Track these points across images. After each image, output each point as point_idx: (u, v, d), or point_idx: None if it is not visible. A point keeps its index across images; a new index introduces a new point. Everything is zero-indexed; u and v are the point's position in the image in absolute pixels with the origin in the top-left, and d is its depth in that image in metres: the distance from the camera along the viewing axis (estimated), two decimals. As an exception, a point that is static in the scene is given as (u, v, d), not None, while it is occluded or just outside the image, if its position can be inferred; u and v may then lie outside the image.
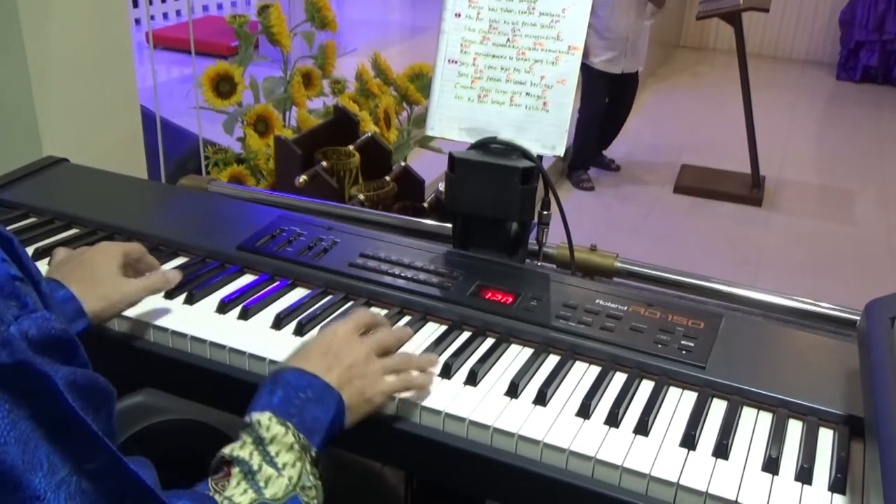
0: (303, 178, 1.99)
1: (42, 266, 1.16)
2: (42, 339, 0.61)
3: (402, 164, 2.22)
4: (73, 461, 0.59)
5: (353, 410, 0.86)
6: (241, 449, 0.77)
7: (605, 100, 4.61)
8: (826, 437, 0.89)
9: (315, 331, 1.02)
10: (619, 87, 4.61)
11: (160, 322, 1.03)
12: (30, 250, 1.18)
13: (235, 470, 0.75)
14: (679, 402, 0.93)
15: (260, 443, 0.77)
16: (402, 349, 0.98)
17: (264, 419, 0.78)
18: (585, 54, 4.25)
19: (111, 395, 0.69)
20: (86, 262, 0.99)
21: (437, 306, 1.07)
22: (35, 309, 0.62)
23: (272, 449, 0.77)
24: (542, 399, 0.91)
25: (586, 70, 4.34)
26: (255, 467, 0.75)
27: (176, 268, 1.15)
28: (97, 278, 0.97)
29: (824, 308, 1.19)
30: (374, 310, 1.08)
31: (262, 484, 0.74)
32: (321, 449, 0.81)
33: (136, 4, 5.17)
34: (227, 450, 0.77)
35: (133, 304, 0.99)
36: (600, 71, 4.43)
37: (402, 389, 0.91)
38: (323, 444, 0.82)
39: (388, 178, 2.13)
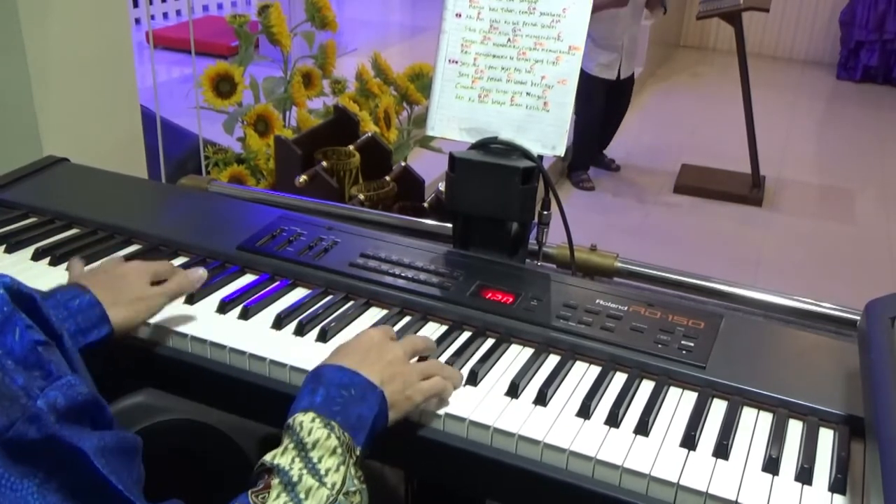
0: (303, 178, 1.99)
1: (42, 266, 1.16)
2: (69, 408, 0.62)
3: (402, 164, 2.22)
4: None
5: (395, 407, 0.85)
6: (282, 456, 0.75)
7: (603, 103, 4.61)
8: (826, 437, 0.89)
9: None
10: (617, 90, 4.62)
11: (160, 322, 1.03)
12: (30, 250, 1.18)
13: (275, 481, 0.73)
14: (679, 403, 0.93)
15: (302, 448, 0.75)
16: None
17: (307, 420, 0.77)
18: (584, 60, 4.30)
19: (138, 445, 0.69)
20: (116, 275, 0.99)
21: (438, 306, 1.07)
22: (59, 375, 0.62)
23: (314, 455, 0.75)
24: (542, 399, 0.91)
25: (583, 75, 4.33)
26: (296, 478, 0.73)
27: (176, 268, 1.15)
28: (123, 288, 0.97)
29: (824, 308, 1.19)
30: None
31: (302, 496, 0.72)
32: (366, 447, 0.80)
33: (136, 4, 5.17)
34: (268, 457, 0.75)
35: (155, 313, 0.99)
36: (597, 77, 4.43)
37: (439, 392, 0.90)
38: (367, 441, 0.80)
39: (388, 178, 2.13)
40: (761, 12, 4.99)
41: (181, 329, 1.02)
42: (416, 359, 0.94)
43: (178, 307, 1.07)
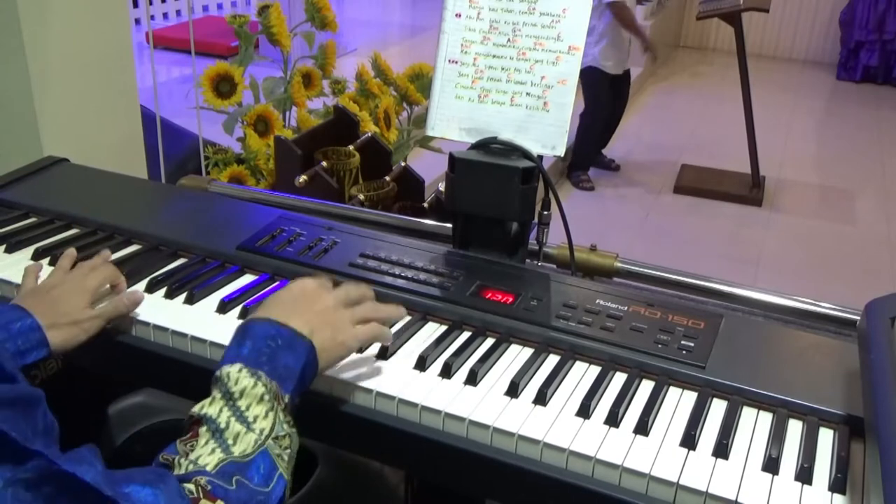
0: (303, 178, 1.99)
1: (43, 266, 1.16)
2: None
3: (402, 164, 2.22)
4: (4, 474, 0.59)
5: (326, 354, 0.87)
6: (210, 406, 0.77)
7: (610, 101, 4.66)
8: (826, 437, 0.89)
9: None
10: (618, 86, 4.66)
11: (160, 322, 1.03)
12: (30, 250, 1.18)
13: (203, 429, 0.75)
14: (679, 402, 0.93)
15: (229, 398, 0.77)
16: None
17: (234, 371, 0.79)
18: (595, 58, 4.39)
19: (39, 396, 0.69)
20: (55, 295, 1.00)
21: (438, 306, 1.07)
22: None
23: (242, 403, 0.77)
24: (542, 399, 0.91)
25: (593, 73, 4.41)
26: (223, 425, 0.75)
27: (176, 268, 1.15)
28: (63, 311, 0.98)
29: (824, 308, 1.19)
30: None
31: (230, 441, 0.74)
32: (294, 395, 0.82)
33: (136, 4, 5.17)
34: (196, 408, 0.77)
35: (91, 335, 1.00)
36: (606, 73, 4.47)
37: (372, 337, 0.92)
38: (296, 390, 0.82)
39: (388, 178, 2.13)
40: (761, 12, 4.99)
41: (181, 329, 1.02)
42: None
43: (178, 307, 1.07)
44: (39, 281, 1.07)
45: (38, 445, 0.63)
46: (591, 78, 4.44)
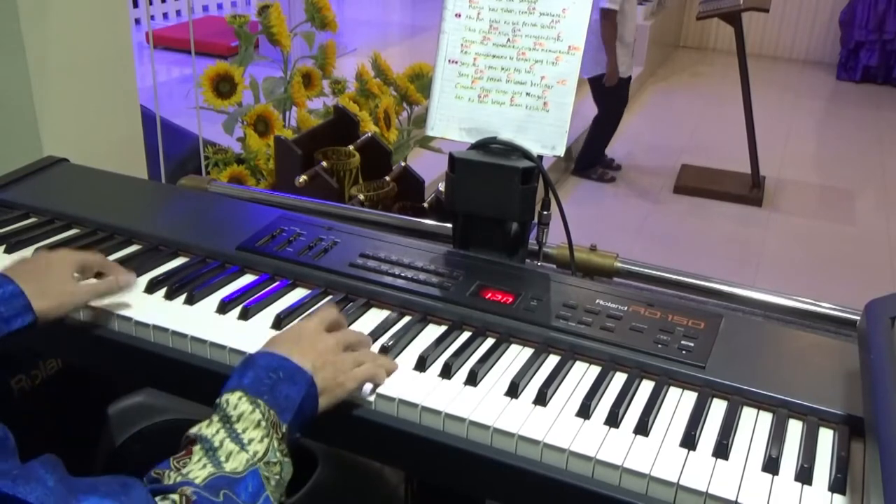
0: (303, 178, 1.99)
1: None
2: None
3: (402, 164, 2.22)
4: None
5: (326, 393, 0.87)
6: (207, 427, 0.78)
7: (623, 104, 4.76)
8: (826, 437, 0.89)
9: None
10: (626, 88, 4.73)
11: (160, 322, 1.03)
12: (30, 250, 1.18)
13: (196, 447, 0.76)
14: (679, 402, 0.93)
15: (227, 420, 0.78)
16: None
17: (233, 398, 0.80)
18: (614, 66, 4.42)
19: None
20: (40, 264, 1.02)
21: (438, 306, 1.07)
22: None
23: (239, 426, 0.78)
24: (542, 399, 0.91)
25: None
26: (217, 444, 0.76)
27: (176, 268, 1.15)
28: (48, 280, 0.99)
29: (824, 308, 1.19)
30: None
31: (222, 458, 0.75)
32: (292, 428, 0.82)
33: (136, 4, 5.17)
34: (193, 429, 0.78)
35: (80, 306, 1.01)
36: (621, 77, 4.54)
37: (371, 378, 0.92)
38: (294, 421, 0.82)
39: (388, 178, 2.12)
40: (761, 12, 5.00)
41: (181, 329, 1.02)
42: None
43: (178, 307, 1.07)
44: None
45: None
46: (606, 85, 4.52)
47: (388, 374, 0.95)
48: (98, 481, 0.68)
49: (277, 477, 0.78)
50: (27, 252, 1.18)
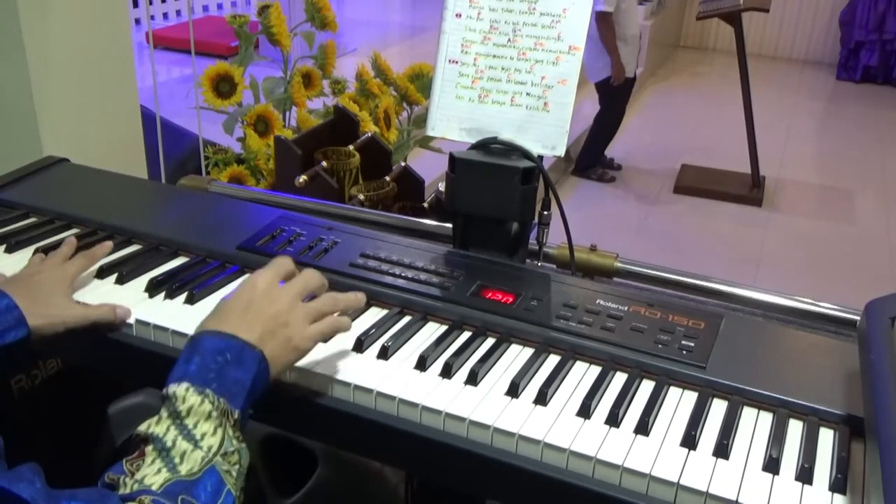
0: (303, 178, 1.99)
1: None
2: None
3: (402, 164, 2.22)
4: None
5: (278, 360, 0.86)
6: (157, 425, 0.76)
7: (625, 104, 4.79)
8: (826, 437, 0.89)
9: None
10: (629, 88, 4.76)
11: (161, 322, 1.03)
12: (30, 250, 1.18)
13: (149, 448, 0.74)
14: (679, 402, 0.93)
15: (176, 416, 0.76)
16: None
17: (181, 391, 0.78)
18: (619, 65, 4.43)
19: None
20: (35, 280, 1.01)
21: (438, 306, 1.07)
22: None
23: (189, 421, 0.76)
24: (542, 399, 0.91)
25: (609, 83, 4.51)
26: (170, 443, 0.74)
27: (176, 268, 1.15)
28: (43, 297, 0.98)
29: (824, 308, 1.19)
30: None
31: (176, 460, 0.73)
32: (244, 410, 0.81)
33: (136, 4, 5.18)
34: (143, 427, 0.76)
35: (72, 327, 0.99)
36: (627, 77, 4.56)
37: (329, 333, 0.90)
38: (246, 404, 0.81)
39: (388, 178, 2.12)
40: (761, 12, 5.00)
41: (181, 329, 1.02)
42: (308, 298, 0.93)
43: (178, 307, 1.07)
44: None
45: None
46: (618, 85, 4.53)
47: (353, 309, 0.92)
48: (77, 491, 0.69)
49: (237, 466, 0.76)
50: (27, 252, 1.18)
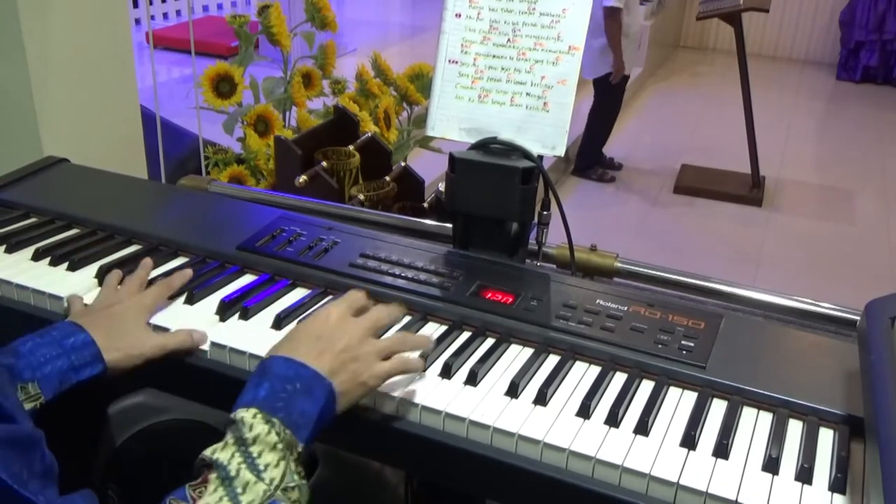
0: (303, 178, 1.99)
1: (42, 266, 1.16)
2: None
3: (402, 164, 2.22)
4: None
5: (346, 395, 0.85)
6: (222, 451, 0.76)
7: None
8: (826, 437, 0.89)
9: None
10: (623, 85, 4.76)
11: (161, 322, 1.03)
12: (30, 250, 1.18)
13: (213, 476, 0.74)
14: (679, 402, 0.93)
15: (242, 443, 0.76)
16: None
17: (248, 416, 0.77)
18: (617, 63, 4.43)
19: (38, 438, 0.68)
20: (112, 312, 1.00)
21: (438, 306, 1.07)
22: None
23: (254, 449, 0.75)
24: (542, 399, 0.91)
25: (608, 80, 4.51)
26: (233, 472, 0.73)
27: (176, 268, 1.15)
28: (120, 330, 0.97)
29: (824, 308, 1.19)
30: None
31: (238, 490, 0.73)
32: (308, 443, 0.80)
33: (136, 4, 5.18)
34: (208, 451, 0.76)
35: (151, 358, 0.98)
36: (624, 75, 4.56)
37: (398, 372, 0.90)
38: (311, 437, 0.80)
39: (388, 178, 2.12)
40: (761, 12, 5.00)
41: (181, 328, 1.02)
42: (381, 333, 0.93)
43: (178, 307, 1.07)
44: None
45: (34, 487, 0.63)
46: (607, 85, 4.53)
47: (419, 348, 0.91)
48: None
49: (296, 503, 0.76)
50: (27, 252, 1.18)
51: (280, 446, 0.76)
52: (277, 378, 0.81)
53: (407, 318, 1.06)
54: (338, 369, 0.85)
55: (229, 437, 0.77)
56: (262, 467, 0.74)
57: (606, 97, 4.68)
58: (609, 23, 4.35)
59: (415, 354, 0.93)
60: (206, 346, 1.00)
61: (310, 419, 0.80)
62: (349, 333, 0.88)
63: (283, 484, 0.75)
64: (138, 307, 1.02)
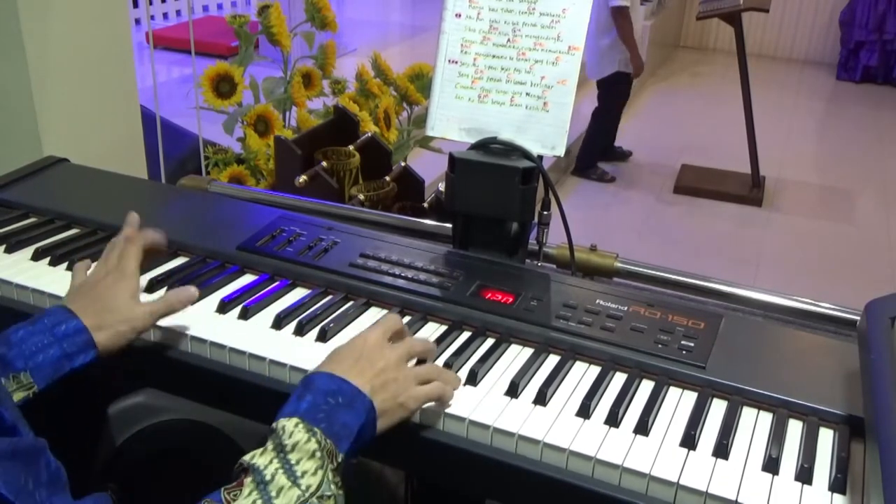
0: (303, 178, 1.99)
1: (42, 266, 1.16)
2: None
3: (402, 164, 2.22)
4: None
5: (386, 415, 0.85)
6: (260, 456, 0.76)
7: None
8: (826, 437, 0.89)
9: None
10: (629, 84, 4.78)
11: (160, 322, 1.03)
12: (30, 250, 1.18)
13: (248, 479, 0.74)
14: (679, 402, 0.93)
15: (281, 450, 0.76)
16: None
17: (290, 425, 0.77)
18: (624, 62, 4.42)
19: (40, 448, 0.68)
20: (100, 290, 0.99)
21: (438, 306, 1.07)
22: None
23: (293, 457, 0.75)
24: (542, 399, 0.91)
25: (618, 77, 4.50)
26: (269, 477, 0.74)
27: (176, 268, 1.15)
28: (108, 310, 0.96)
29: (824, 308, 1.19)
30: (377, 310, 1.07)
31: (272, 494, 0.73)
32: (349, 455, 0.80)
33: (136, 4, 5.17)
34: (248, 456, 0.76)
35: (141, 332, 0.98)
36: (626, 72, 4.56)
37: (435, 397, 0.89)
38: (352, 450, 0.80)
39: (388, 178, 2.12)
40: (761, 12, 5.00)
41: (181, 329, 1.02)
42: (413, 361, 0.93)
43: (178, 307, 1.07)
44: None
45: (42, 496, 0.62)
46: (618, 82, 4.54)
47: (454, 388, 0.92)
48: None
49: None
50: (27, 252, 1.18)
51: (319, 454, 0.76)
52: (320, 392, 0.82)
53: (407, 318, 1.06)
54: (378, 388, 0.85)
55: (269, 444, 0.77)
56: (299, 473, 0.74)
57: (610, 98, 4.70)
58: (621, 22, 4.35)
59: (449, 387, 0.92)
60: (205, 346, 1.00)
61: (351, 432, 0.80)
62: (386, 357, 0.89)
63: (320, 492, 0.75)
64: (124, 276, 1.00)
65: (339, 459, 0.78)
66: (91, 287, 1.00)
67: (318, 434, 0.77)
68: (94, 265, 1.07)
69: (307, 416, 0.79)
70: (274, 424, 0.79)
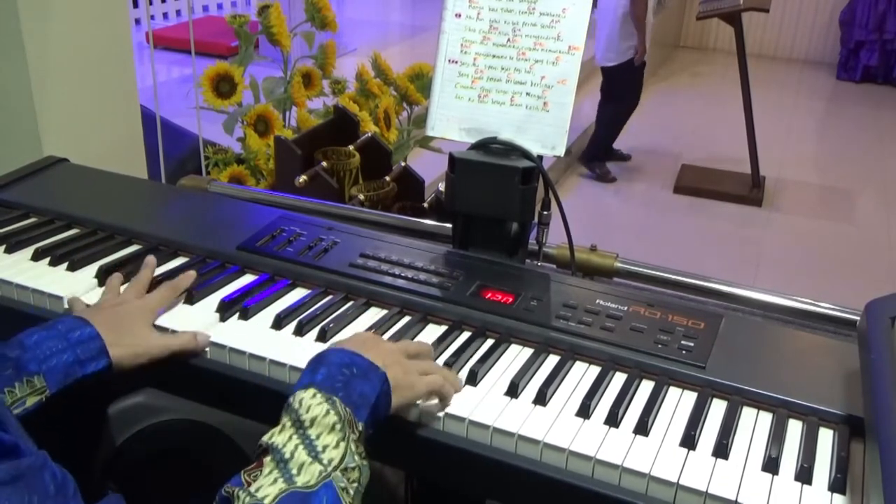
0: (303, 178, 1.99)
1: (42, 266, 1.16)
2: None
3: (402, 164, 2.22)
4: None
5: (398, 392, 0.85)
6: (279, 434, 0.75)
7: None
8: (826, 437, 0.89)
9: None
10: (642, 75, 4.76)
11: (160, 322, 1.03)
12: (30, 250, 1.18)
13: (268, 459, 0.73)
14: (679, 402, 0.93)
15: (300, 425, 0.75)
16: None
17: (307, 396, 0.76)
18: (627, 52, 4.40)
19: (41, 463, 0.68)
20: (117, 311, 1.00)
21: (438, 306, 1.07)
22: None
23: (313, 432, 0.74)
24: (542, 399, 0.91)
25: (628, 67, 4.48)
26: (288, 455, 0.72)
27: (177, 268, 1.15)
28: (125, 328, 0.97)
29: (824, 308, 1.19)
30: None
31: (294, 471, 0.71)
32: (369, 425, 0.79)
33: (136, 4, 5.17)
34: (266, 437, 0.75)
35: (156, 358, 0.98)
36: (637, 65, 4.54)
37: (439, 388, 0.90)
38: (370, 420, 0.79)
39: (388, 178, 2.12)
40: (761, 12, 5.00)
41: (181, 328, 1.02)
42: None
43: (178, 307, 1.07)
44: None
45: None
46: (628, 72, 4.51)
47: (456, 389, 0.92)
48: None
49: (356, 484, 0.74)
50: (27, 252, 1.18)
51: (339, 426, 0.75)
52: (334, 364, 0.81)
53: (407, 318, 1.06)
54: (389, 364, 0.85)
55: (286, 420, 0.76)
56: (319, 448, 0.73)
57: (624, 87, 4.65)
58: (637, 4, 4.33)
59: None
60: (206, 347, 1.00)
61: (368, 401, 0.80)
62: (387, 345, 0.90)
63: (343, 464, 0.73)
64: (143, 308, 1.02)
65: (360, 429, 0.77)
66: (109, 307, 1.01)
67: (338, 403, 0.76)
68: (124, 287, 1.08)
69: (324, 387, 0.78)
70: (290, 398, 0.77)
